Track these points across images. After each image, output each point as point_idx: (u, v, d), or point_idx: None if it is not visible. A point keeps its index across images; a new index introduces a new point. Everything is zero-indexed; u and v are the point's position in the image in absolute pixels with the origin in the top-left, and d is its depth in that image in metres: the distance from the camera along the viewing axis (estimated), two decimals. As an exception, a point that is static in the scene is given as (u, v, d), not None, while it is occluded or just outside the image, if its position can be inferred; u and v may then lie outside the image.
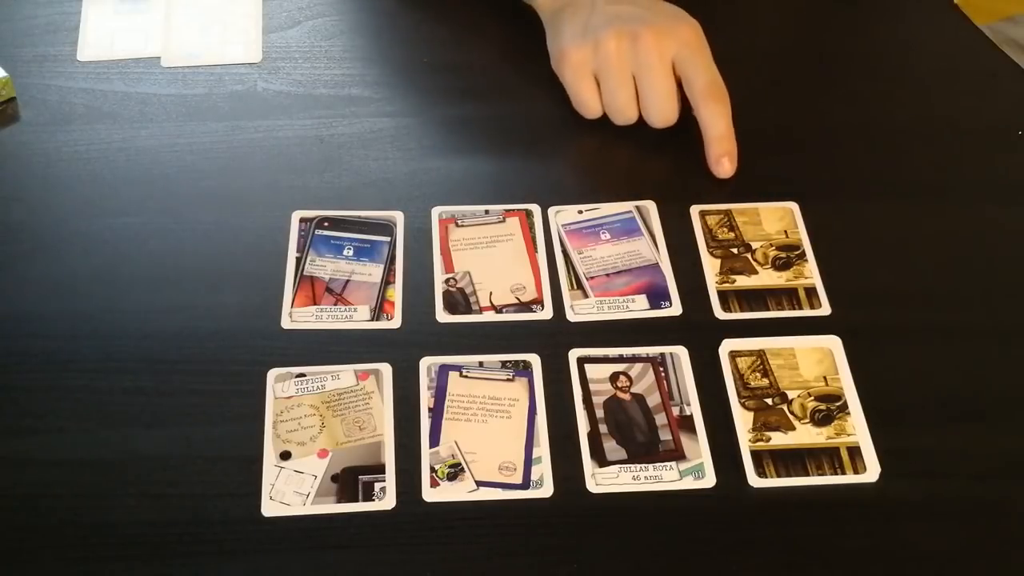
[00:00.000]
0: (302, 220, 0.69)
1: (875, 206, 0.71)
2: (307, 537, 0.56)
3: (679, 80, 0.71)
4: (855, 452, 0.59)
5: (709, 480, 0.58)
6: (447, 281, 0.66)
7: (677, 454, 0.59)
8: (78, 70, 0.77)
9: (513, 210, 0.70)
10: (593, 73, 0.72)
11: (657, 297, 0.66)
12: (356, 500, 0.57)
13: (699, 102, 0.71)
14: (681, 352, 0.63)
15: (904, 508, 0.58)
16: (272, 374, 0.61)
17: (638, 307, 0.65)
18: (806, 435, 0.60)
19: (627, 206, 0.70)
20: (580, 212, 0.70)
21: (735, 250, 0.68)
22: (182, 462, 0.58)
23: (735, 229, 0.69)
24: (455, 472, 0.58)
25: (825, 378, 0.62)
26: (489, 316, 0.65)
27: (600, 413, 0.60)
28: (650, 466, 0.58)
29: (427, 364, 0.62)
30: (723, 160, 0.71)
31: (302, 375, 0.61)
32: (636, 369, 0.62)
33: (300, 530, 0.56)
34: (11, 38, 0.79)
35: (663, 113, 0.72)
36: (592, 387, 0.61)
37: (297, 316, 0.64)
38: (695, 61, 0.71)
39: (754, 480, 0.58)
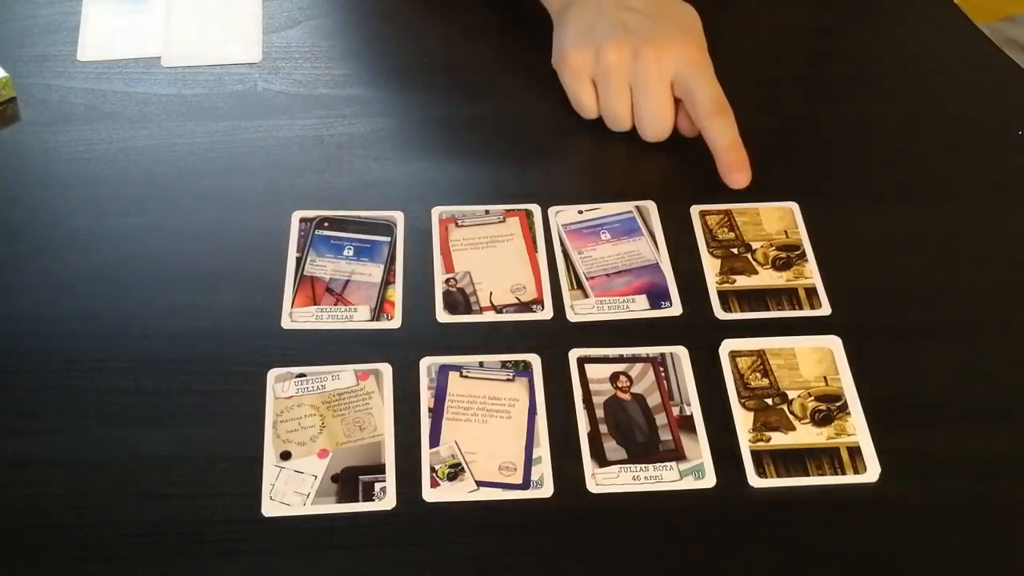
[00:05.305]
0: (302, 220, 0.69)
1: (875, 206, 0.71)
2: (307, 537, 0.56)
3: (678, 97, 0.71)
4: (855, 452, 0.59)
5: (709, 480, 0.58)
6: (447, 281, 0.66)
7: (677, 454, 0.59)
8: (78, 70, 0.77)
9: (513, 210, 0.70)
10: (591, 79, 0.72)
11: (657, 297, 0.66)
12: (356, 500, 0.57)
13: (703, 119, 0.70)
14: (681, 352, 0.63)
15: (904, 508, 0.58)
16: (272, 374, 0.61)
17: (638, 307, 0.65)
18: (806, 435, 0.60)
19: (627, 206, 0.70)
20: (580, 212, 0.70)
21: (735, 250, 0.68)
22: (182, 462, 0.58)
23: (735, 229, 0.69)
24: (455, 472, 0.58)
25: (825, 378, 0.62)
26: (489, 316, 0.65)
27: (600, 413, 0.60)
28: (650, 466, 0.58)
29: (427, 364, 0.62)
30: (734, 170, 0.70)
31: (302, 375, 0.61)
32: (636, 369, 0.62)
33: (300, 530, 0.56)
34: (11, 38, 0.79)
35: (655, 130, 0.72)
36: (592, 387, 0.61)
37: (297, 316, 0.64)
38: (697, 79, 0.70)
39: (754, 480, 0.58)
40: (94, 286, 0.65)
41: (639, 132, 0.72)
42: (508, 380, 0.62)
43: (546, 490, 0.57)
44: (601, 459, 0.59)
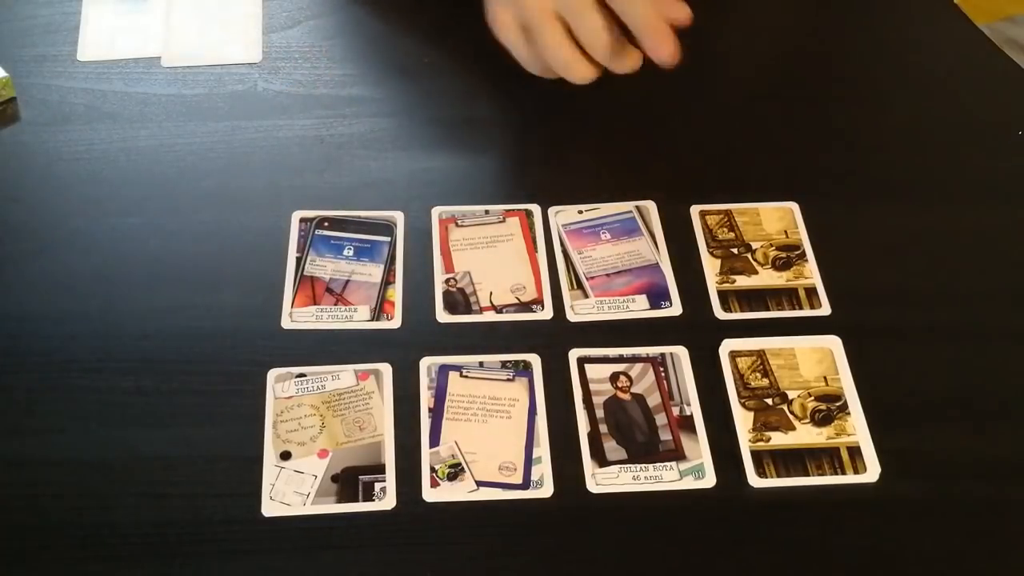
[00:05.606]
0: (302, 220, 0.69)
1: (875, 206, 0.71)
2: (307, 537, 0.56)
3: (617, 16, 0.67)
4: (855, 452, 0.59)
5: (709, 480, 0.58)
6: (447, 281, 0.66)
7: (677, 454, 0.59)
8: (78, 70, 0.77)
9: (513, 210, 0.70)
10: (522, 28, 0.69)
11: (657, 297, 0.66)
12: (356, 500, 0.57)
13: (619, 4, 0.66)
14: (681, 352, 0.63)
15: (904, 508, 0.58)
16: (272, 374, 0.61)
17: (638, 307, 0.65)
18: (806, 435, 0.60)
19: (627, 206, 0.70)
20: (580, 212, 0.70)
21: (735, 250, 0.68)
22: (182, 462, 0.58)
23: (735, 229, 0.69)
24: (455, 472, 0.58)
25: (825, 378, 0.62)
26: (489, 316, 0.65)
27: (600, 413, 0.60)
28: (650, 466, 0.58)
29: (427, 364, 0.62)
30: (658, 46, 0.66)
31: (302, 375, 0.61)
32: (636, 369, 0.62)
33: (300, 530, 0.56)
34: (11, 38, 0.79)
35: (601, 49, 0.67)
36: (592, 387, 0.61)
37: (297, 316, 0.64)
38: None
39: (754, 480, 0.58)
40: (94, 286, 0.65)
41: (597, 60, 0.68)
42: (508, 380, 0.62)
43: (546, 490, 0.57)
44: (601, 459, 0.59)
